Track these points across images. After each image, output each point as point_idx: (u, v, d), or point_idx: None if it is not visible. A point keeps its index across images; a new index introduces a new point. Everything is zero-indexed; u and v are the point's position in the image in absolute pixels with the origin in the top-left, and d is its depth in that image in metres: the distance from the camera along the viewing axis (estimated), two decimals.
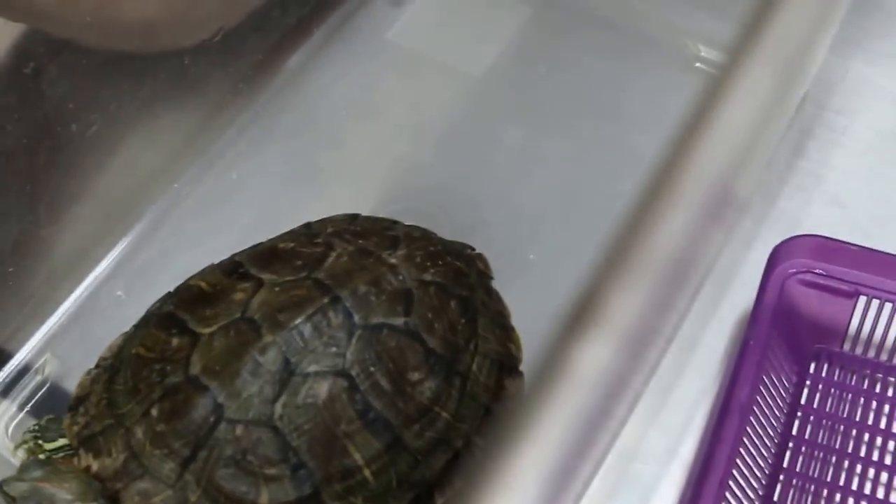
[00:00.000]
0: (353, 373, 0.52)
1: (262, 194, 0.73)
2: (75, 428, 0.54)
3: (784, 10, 0.35)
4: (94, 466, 0.52)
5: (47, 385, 0.64)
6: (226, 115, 0.75)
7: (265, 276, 0.55)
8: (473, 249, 0.62)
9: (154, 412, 0.51)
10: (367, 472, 0.51)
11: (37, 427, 0.56)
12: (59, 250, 0.68)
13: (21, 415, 0.62)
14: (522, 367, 0.59)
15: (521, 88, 0.78)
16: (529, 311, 0.61)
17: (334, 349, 0.52)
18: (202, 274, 0.58)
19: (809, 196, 0.71)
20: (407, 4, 0.83)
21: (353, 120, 0.77)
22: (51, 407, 0.62)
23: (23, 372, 0.64)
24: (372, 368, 0.52)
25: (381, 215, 0.67)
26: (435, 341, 0.54)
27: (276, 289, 0.54)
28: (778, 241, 0.61)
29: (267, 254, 0.58)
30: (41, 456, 0.55)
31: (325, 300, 0.53)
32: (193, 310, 0.55)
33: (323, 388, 0.51)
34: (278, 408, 0.50)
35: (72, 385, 0.62)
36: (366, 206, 0.67)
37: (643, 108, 0.75)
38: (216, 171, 0.73)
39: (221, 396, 0.51)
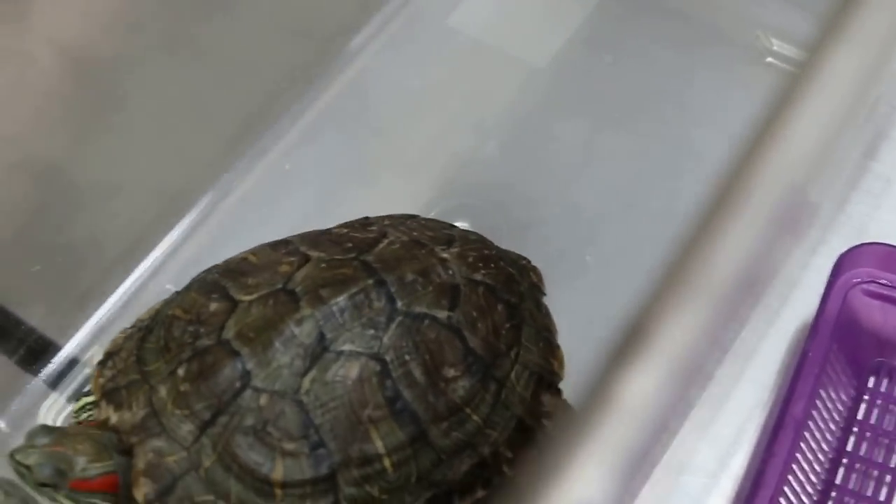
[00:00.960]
0: (388, 358, 0.51)
1: (316, 186, 0.71)
2: (101, 380, 0.54)
3: (867, 3, 0.32)
4: (113, 419, 0.51)
5: None
6: (280, 103, 0.73)
7: (313, 253, 0.54)
8: (528, 261, 0.61)
9: (180, 372, 0.51)
10: (387, 462, 0.50)
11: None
12: (110, 242, 0.68)
13: (68, 407, 0.62)
14: (562, 387, 0.57)
15: (583, 80, 0.75)
16: (583, 316, 0.60)
17: (372, 331, 0.51)
18: (252, 249, 0.57)
19: (878, 201, 0.68)
20: None
21: (411, 110, 0.75)
22: None
23: (71, 364, 0.64)
24: (407, 357, 0.51)
25: (435, 210, 0.66)
26: (476, 341, 0.53)
27: (323, 265, 0.53)
28: (843, 249, 0.59)
29: (319, 236, 0.57)
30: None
31: (370, 281, 0.52)
32: (237, 278, 0.54)
33: (354, 369, 0.50)
34: (306, 382, 0.50)
35: None
36: (421, 200, 0.65)
37: (710, 104, 0.72)
38: (269, 161, 0.72)
39: (251, 363, 0.50)
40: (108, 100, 0.67)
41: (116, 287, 0.66)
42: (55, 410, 0.62)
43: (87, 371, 0.63)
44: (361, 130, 0.74)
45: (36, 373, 0.63)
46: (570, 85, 0.75)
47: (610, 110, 0.73)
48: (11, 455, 0.49)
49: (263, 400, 0.49)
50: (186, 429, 0.50)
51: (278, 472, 0.49)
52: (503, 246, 0.60)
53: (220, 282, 0.54)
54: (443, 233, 0.58)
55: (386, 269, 0.53)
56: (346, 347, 0.50)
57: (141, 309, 0.64)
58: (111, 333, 0.64)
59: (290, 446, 0.49)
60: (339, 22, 0.77)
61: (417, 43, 0.78)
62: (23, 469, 0.49)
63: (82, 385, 0.63)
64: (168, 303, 0.56)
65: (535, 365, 0.55)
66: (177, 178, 0.70)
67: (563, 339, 0.58)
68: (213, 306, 0.53)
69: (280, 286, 0.52)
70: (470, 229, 0.62)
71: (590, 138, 0.72)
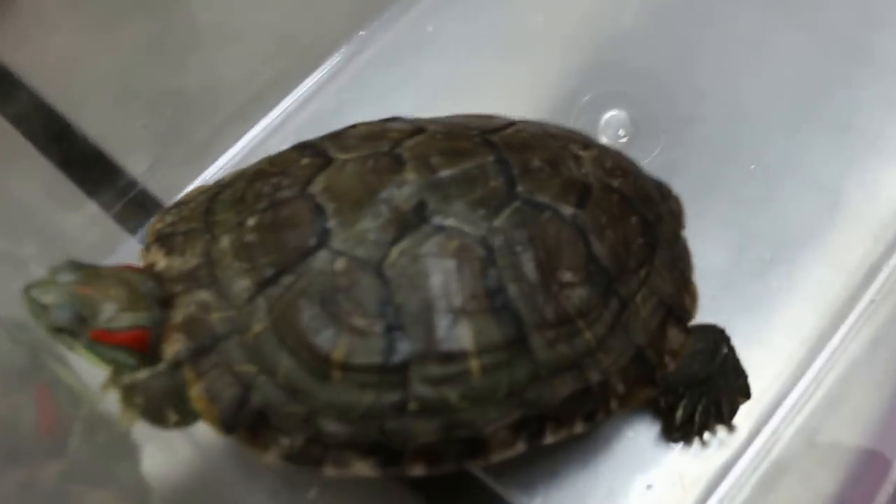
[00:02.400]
0: (495, 243, 0.43)
1: (457, 52, 0.64)
2: (158, 225, 0.47)
3: None
4: (160, 264, 0.44)
5: None
6: None
7: (430, 126, 0.48)
8: (670, 190, 0.53)
9: (250, 222, 0.44)
10: (474, 364, 0.42)
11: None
12: (225, 94, 0.62)
13: None
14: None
15: None
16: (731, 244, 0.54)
17: (482, 211, 0.43)
18: (367, 122, 0.50)
19: None
20: None
21: None
22: None
23: None
24: (519, 248, 0.43)
25: (588, 95, 0.60)
26: (602, 248, 0.45)
27: (439, 136, 0.46)
28: None
29: (448, 119, 0.50)
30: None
31: (490, 158, 0.45)
32: (340, 141, 0.47)
33: (453, 247, 0.42)
34: (394, 253, 0.42)
35: None
36: (573, 82, 0.59)
37: (892, 8, 0.64)
38: (409, 19, 0.65)
39: (332, 222, 0.42)
40: None
41: (233, 143, 0.61)
42: None
43: None
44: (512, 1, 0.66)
45: (133, 231, 0.59)
46: None
47: (786, 3, 0.65)
48: (27, 290, 0.42)
49: (339, 264, 0.42)
50: (242, 285, 0.42)
51: (340, 350, 0.41)
52: (660, 140, 0.53)
53: (320, 143, 0.48)
54: (579, 136, 0.51)
55: (510, 150, 0.45)
56: (449, 222, 0.43)
57: None
58: None
59: (360, 322, 0.41)
60: None
61: None
62: (38, 308, 0.42)
63: None
64: (258, 162, 0.49)
65: (666, 294, 0.47)
66: (307, 29, 0.64)
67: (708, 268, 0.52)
68: (305, 161, 0.46)
69: (385, 149, 0.45)
70: (624, 120, 0.55)
71: (762, 33, 0.64)
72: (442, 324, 0.42)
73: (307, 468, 0.42)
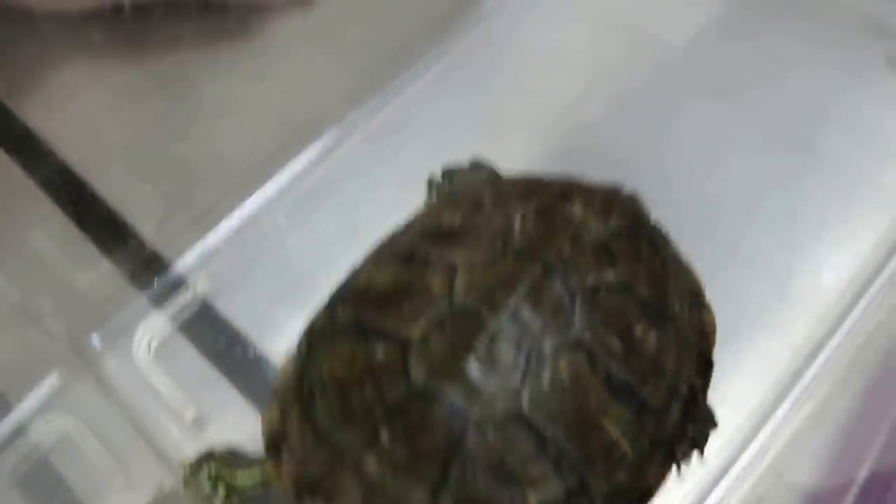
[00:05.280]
0: (588, 340, 0.46)
1: (438, 131, 0.69)
2: (286, 472, 0.47)
3: None
4: None
5: (198, 303, 0.63)
6: (415, 48, 0.72)
7: (456, 257, 0.48)
8: (624, 188, 0.57)
9: (384, 436, 0.44)
10: (624, 445, 0.46)
11: (213, 455, 0.52)
12: (228, 164, 0.67)
13: (170, 330, 0.62)
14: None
15: (717, 64, 0.72)
16: None
17: (563, 320, 0.46)
18: (371, 270, 0.51)
19: None
20: None
21: (541, 70, 0.72)
22: (198, 328, 0.62)
23: (176, 284, 0.64)
24: (602, 332, 0.46)
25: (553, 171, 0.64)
26: (644, 290, 0.49)
27: (479, 268, 0.48)
28: None
29: (440, 233, 0.51)
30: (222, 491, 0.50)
31: (536, 270, 0.47)
32: (384, 311, 0.47)
33: (565, 365, 0.45)
34: (525, 399, 0.44)
35: (221, 307, 0.62)
36: (539, 161, 0.63)
37: (841, 108, 0.68)
38: (396, 104, 0.70)
39: (459, 400, 0.44)
40: (243, 23, 0.66)
41: (230, 212, 0.66)
42: (153, 331, 0.62)
43: (191, 295, 0.63)
44: (491, 85, 0.71)
45: (142, 288, 0.63)
46: (703, 67, 0.72)
47: (738, 98, 0.70)
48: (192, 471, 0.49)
49: (491, 434, 0.44)
50: (418, 497, 0.44)
51: (532, 499, 0.44)
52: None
53: (366, 321, 0.48)
54: (551, 188, 0.54)
55: (542, 251, 0.48)
56: (548, 348, 0.45)
57: (253, 239, 0.65)
58: (217, 259, 0.65)
59: (534, 470, 0.44)
60: None
61: (555, 6, 0.75)
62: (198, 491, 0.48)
63: (183, 309, 0.63)
64: (307, 361, 0.49)
65: (687, 288, 0.52)
66: (305, 108, 0.69)
67: None
68: (380, 351, 0.46)
69: (446, 306, 0.46)
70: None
71: (714, 123, 0.68)
72: (590, 429, 0.45)
73: None
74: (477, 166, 0.61)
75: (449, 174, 0.61)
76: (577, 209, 0.51)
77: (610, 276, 0.48)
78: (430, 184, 0.61)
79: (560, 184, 0.55)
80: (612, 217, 0.51)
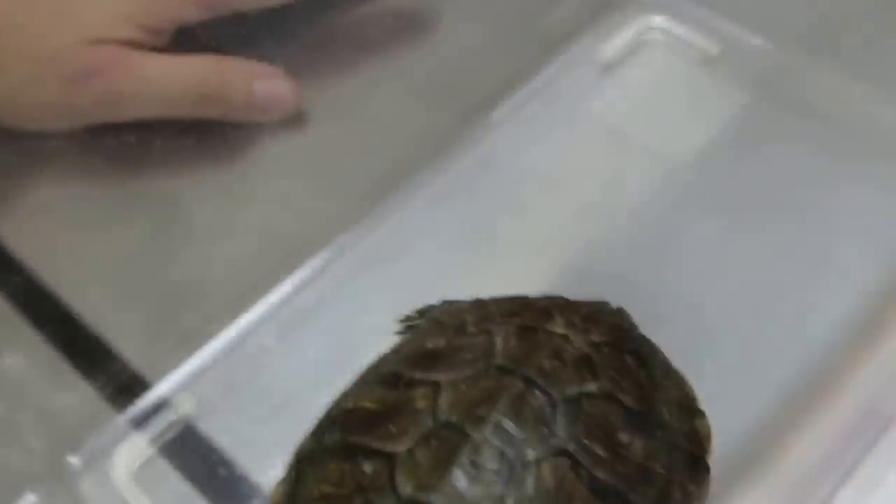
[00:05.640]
0: (571, 448, 0.47)
1: (433, 255, 0.68)
2: None
3: None
4: None
5: (181, 424, 0.61)
6: (410, 168, 0.72)
7: (439, 378, 0.50)
8: (609, 304, 0.59)
9: None
10: None
11: None
12: (215, 285, 0.66)
13: (151, 452, 0.60)
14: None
15: (723, 180, 0.72)
16: None
17: (545, 430, 0.47)
18: (356, 394, 0.53)
19: None
20: (616, 74, 0.78)
21: (541, 190, 0.72)
22: (181, 450, 0.60)
23: (158, 406, 0.62)
24: (586, 440, 0.47)
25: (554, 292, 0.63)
26: (628, 398, 0.50)
27: (462, 386, 0.49)
28: None
29: (424, 357, 0.53)
30: None
31: (518, 384, 0.48)
32: (371, 432, 0.49)
33: (548, 472, 0.46)
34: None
35: (205, 428, 0.60)
36: (540, 285, 0.62)
37: (853, 221, 0.68)
38: (389, 225, 0.70)
39: None
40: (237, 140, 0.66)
41: (216, 334, 0.64)
42: (133, 453, 0.60)
43: (174, 417, 0.61)
44: (488, 203, 0.71)
45: (120, 410, 0.61)
46: (708, 183, 0.72)
47: (746, 213, 0.70)
48: None
49: None
50: None
51: None
52: None
53: (353, 441, 0.49)
54: (535, 307, 0.56)
55: (522, 366, 0.50)
56: (531, 455, 0.46)
57: (240, 360, 0.63)
58: (203, 381, 0.63)
59: None
60: (479, 95, 0.76)
61: (557, 123, 0.75)
62: None
63: (165, 431, 0.61)
64: (295, 485, 0.50)
65: (676, 398, 0.53)
66: (294, 230, 0.69)
67: None
68: (368, 468, 0.47)
69: (431, 422, 0.48)
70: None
71: (722, 240, 0.68)
72: None
73: None
74: (450, 304, 0.61)
75: (424, 311, 0.62)
76: (558, 325, 0.53)
77: (592, 386, 0.50)
78: (408, 321, 0.62)
79: (543, 302, 0.57)
80: (595, 331, 0.53)
